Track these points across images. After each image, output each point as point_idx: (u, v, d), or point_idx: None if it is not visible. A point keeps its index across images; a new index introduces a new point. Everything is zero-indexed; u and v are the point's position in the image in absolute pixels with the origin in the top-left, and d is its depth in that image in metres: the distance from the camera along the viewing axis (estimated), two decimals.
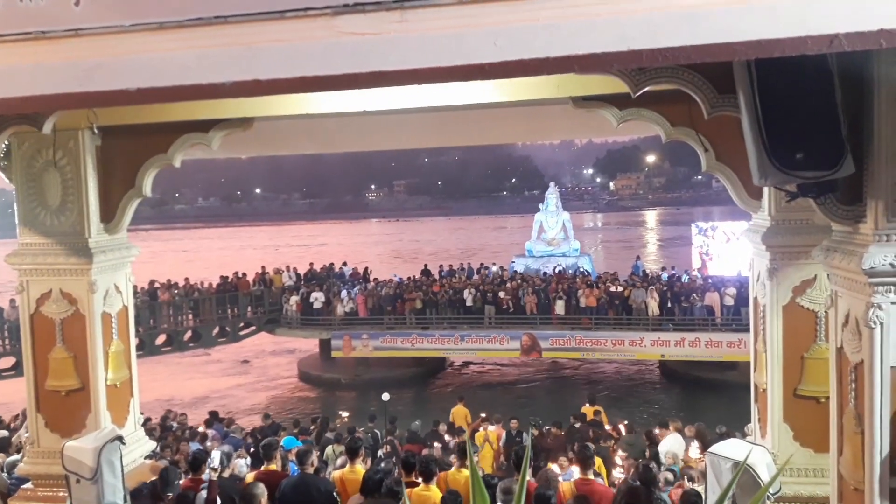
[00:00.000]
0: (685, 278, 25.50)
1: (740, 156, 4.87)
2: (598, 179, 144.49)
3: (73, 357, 6.41)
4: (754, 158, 3.52)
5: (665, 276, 25.81)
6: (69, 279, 6.37)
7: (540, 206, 34.95)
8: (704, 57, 2.93)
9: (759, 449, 4.85)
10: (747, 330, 6.37)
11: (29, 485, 6.65)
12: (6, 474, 7.83)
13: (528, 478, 5.91)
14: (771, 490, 4.43)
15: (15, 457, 8.70)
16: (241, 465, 8.54)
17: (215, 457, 7.83)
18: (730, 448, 4.82)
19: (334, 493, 6.09)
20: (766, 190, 5.31)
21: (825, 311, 5.03)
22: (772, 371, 5.35)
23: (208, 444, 11.39)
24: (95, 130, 6.27)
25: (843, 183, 3.53)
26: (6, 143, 6.22)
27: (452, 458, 7.67)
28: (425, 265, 29.99)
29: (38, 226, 6.36)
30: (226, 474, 6.86)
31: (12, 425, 13.31)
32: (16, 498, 6.72)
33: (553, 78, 5.15)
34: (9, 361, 19.92)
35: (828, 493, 4.40)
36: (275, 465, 6.76)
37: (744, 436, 7.36)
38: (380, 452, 11.04)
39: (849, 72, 3.31)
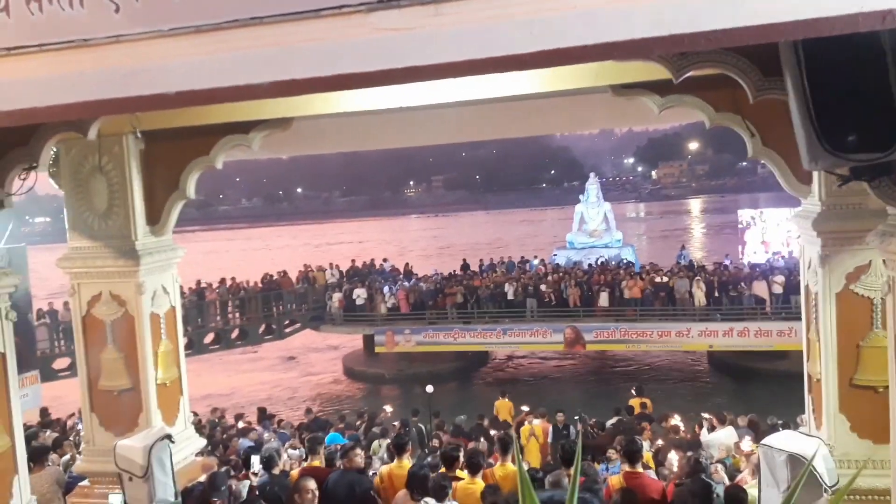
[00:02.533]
0: (738, 264, 24.99)
1: (788, 140, 4.72)
2: (640, 168, 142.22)
3: (124, 357, 6.57)
4: (804, 142, 3.38)
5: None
6: (118, 281, 6.52)
7: (580, 197, 34.53)
8: (748, 39, 2.83)
9: (815, 441, 4.70)
10: (798, 318, 6.20)
11: (85, 482, 6.84)
12: (64, 471, 8.06)
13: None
14: (828, 482, 4.29)
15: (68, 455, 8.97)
16: (293, 455, 8.59)
17: (255, 461, 7.94)
18: (784, 440, 4.68)
19: (372, 492, 6.12)
20: (815, 174, 5.14)
21: (882, 298, 4.86)
22: (826, 360, 5.18)
23: (265, 436, 11.58)
24: (139, 135, 6.40)
25: None
26: (55, 150, 6.38)
27: (494, 451, 7.64)
28: (464, 260, 29.95)
29: (87, 230, 6.52)
30: (276, 471, 6.94)
31: (69, 423, 13.72)
32: (73, 495, 6.91)
33: (591, 66, 5.06)
34: (64, 362, 20.55)
35: (888, 485, 4.25)
36: (318, 461, 6.83)
37: (796, 427, 7.18)
38: (426, 448, 11.07)
39: None
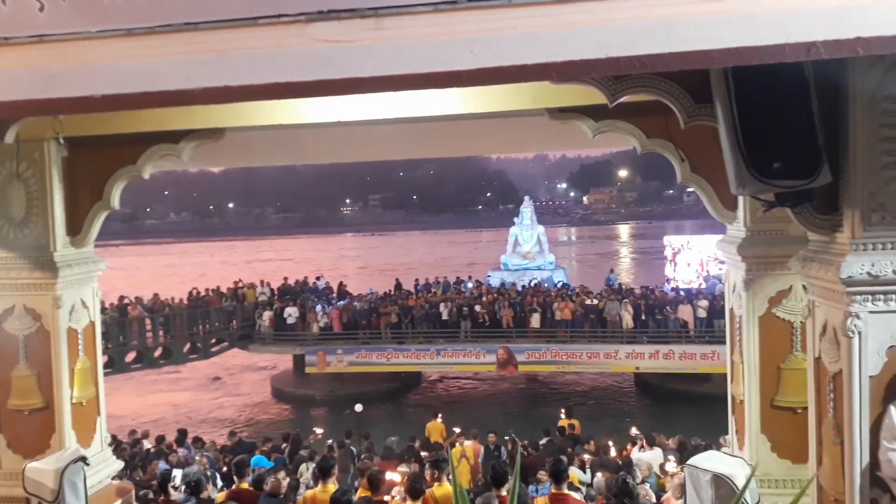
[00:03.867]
0: (663, 288, 25.72)
1: (715, 167, 4.89)
2: (572, 193, 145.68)
3: (37, 375, 6.22)
4: (732, 167, 3.51)
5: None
6: (33, 294, 6.19)
7: (515, 219, 35.09)
8: (682, 64, 2.92)
9: (738, 461, 4.82)
10: (721, 342, 6.39)
11: None
12: None
13: (504, 493, 5.86)
14: (750, 501, 4.39)
15: None
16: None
17: (177, 474, 7.65)
18: (709, 460, 4.78)
19: None
20: (741, 201, 5.33)
21: (802, 322, 5.05)
22: (749, 382, 5.34)
23: (187, 459, 11.14)
24: (61, 141, 6.12)
25: (819, 192, 3.54)
26: None
27: (427, 473, 7.54)
28: (397, 279, 29.84)
29: (1, 239, 6.18)
30: (203, 495, 6.67)
31: None
32: None
33: (529, 89, 5.13)
34: None
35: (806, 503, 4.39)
36: (245, 484, 6.62)
37: (719, 447, 7.37)
38: (351, 472, 10.84)
39: (825, 81, 3.32)
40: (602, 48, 2.86)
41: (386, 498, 6.15)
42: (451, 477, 6.12)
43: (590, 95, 4.50)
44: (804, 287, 4.08)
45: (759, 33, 2.70)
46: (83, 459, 5.65)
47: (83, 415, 6.49)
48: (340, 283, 30.11)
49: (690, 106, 4.15)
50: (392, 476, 7.85)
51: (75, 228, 6.36)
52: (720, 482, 4.45)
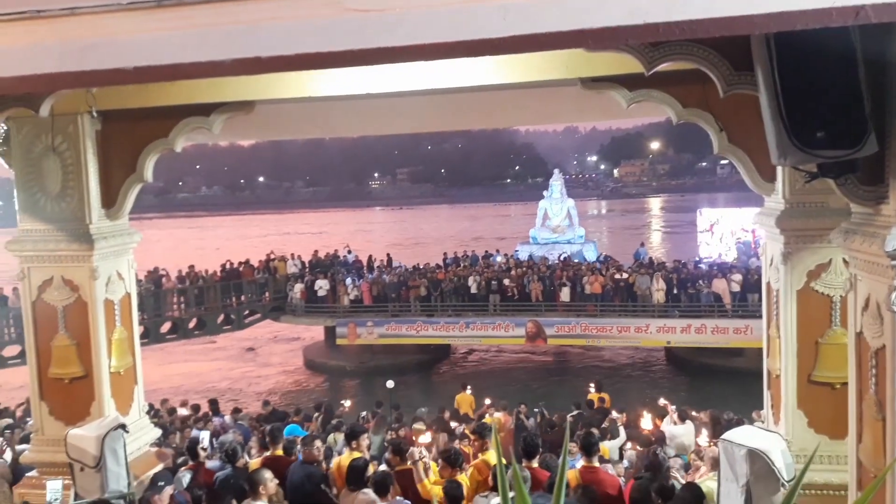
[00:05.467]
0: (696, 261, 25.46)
1: (754, 137, 4.77)
2: (603, 166, 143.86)
3: (76, 344, 6.35)
4: (773, 137, 3.40)
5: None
6: (71, 266, 6.29)
7: (544, 193, 34.81)
8: (723, 30, 2.82)
9: (773, 436, 4.76)
10: (754, 316, 6.28)
11: (34, 472, 6.61)
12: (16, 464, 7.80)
13: (535, 465, 5.88)
14: (786, 477, 4.34)
15: (25, 445, 8.68)
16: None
17: (204, 436, 7.81)
18: (743, 435, 4.72)
19: (323, 485, 6.07)
20: (780, 172, 5.19)
21: (841, 296, 4.93)
22: (786, 357, 5.25)
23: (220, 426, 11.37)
24: (95, 114, 6.17)
25: (863, 163, 3.41)
26: (4, 128, 6.13)
27: (471, 441, 7.55)
28: (444, 254, 29.84)
29: (39, 212, 6.28)
30: (239, 463, 6.81)
31: (18, 413, 13.31)
32: (21, 485, 6.68)
33: (561, 58, 5.03)
34: (14, 349, 19.94)
35: (843, 479, 4.32)
36: (279, 451, 6.74)
37: (752, 422, 7.29)
38: (384, 441, 10.97)
39: (872, 47, 3.18)
40: (640, 14, 2.77)
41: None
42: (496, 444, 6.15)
43: (624, 64, 4.39)
44: (845, 261, 3.97)
45: None
46: (122, 427, 5.77)
47: (121, 384, 6.63)
48: (369, 257, 30.28)
49: (730, 74, 4.02)
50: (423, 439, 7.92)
51: (110, 201, 6.44)
52: (755, 457, 4.40)
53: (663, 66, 4.04)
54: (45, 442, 6.44)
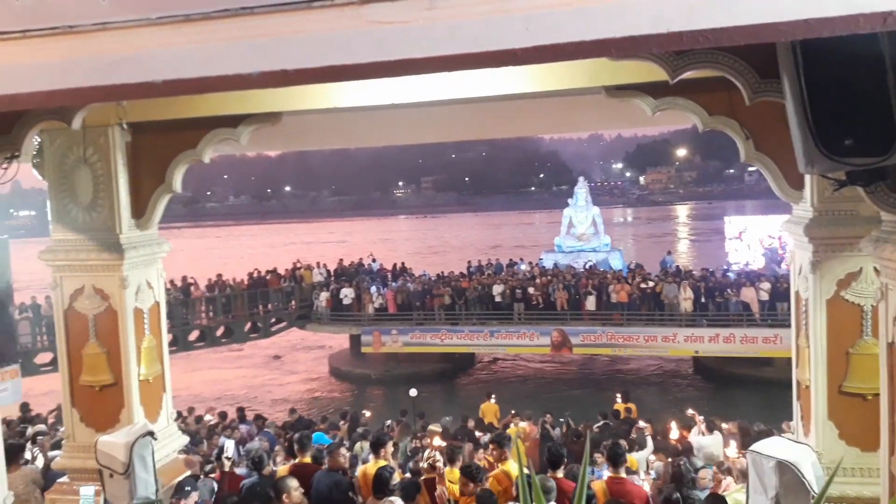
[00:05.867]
0: (724, 270, 25.17)
1: (781, 145, 4.71)
2: (628, 174, 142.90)
3: (107, 352, 6.45)
4: (800, 145, 3.35)
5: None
6: (101, 275, 6.41)
7: (569, 201, 34.65)
8: (748, 38, 2.79)
9: (804, 447, 4.68)
10: (783, 325, 6.18)
11: (65, 478, 6.72)
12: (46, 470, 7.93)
13: (560, 475, 5.84)
14: (817, 490, 4.26)
15: (57, 452, 8.83)
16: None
17: (229, 446, 7.89)
18: (772, 446, 4.66)
19: (350, 493, 6.10)
20: (808, 180, 5.13)
21: (872, 305, 4.85)
22: (815, 367, 5.17)
23: (252, 435, 11.47)
24: (125, 126, 6.30)
25: (893, 170, 3.36)
26: (38, 140, 6.27)
27: (490, 451, 7.53)
28: (469, 262, 29.85)
29: (71, 222, 6.41)
30: (265, 471, 6.86)
31: (50, 419, 13.54)
32: (52, 491, 6.79)
33: (585, 67, 5.03)
34: (47, 357, 20.30)
35: (875, 493, 4.24)
36: (307, 459, 6.78)
37: (781, 433, 7.18)
38: (407, 448, 10.99)
39: None
40: (663, 23, 2.76)
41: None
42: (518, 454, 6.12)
43: (649, 72, 4.37)
44: (876, 269, 3.91)
45: (831, 3, 2.56)
46: (151, 434, 5.86)
47: (150, 391, 6.73)
48: (394, 266, 30.38)
49: (756, 81, 3.99)
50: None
51: (139, 211, 6.56)
52: (784, 469, 4.34)
53: (688, 74, 4.02)
54: (76, 448, 6.55)
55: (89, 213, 6.39)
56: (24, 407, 15.07)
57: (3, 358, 11.33)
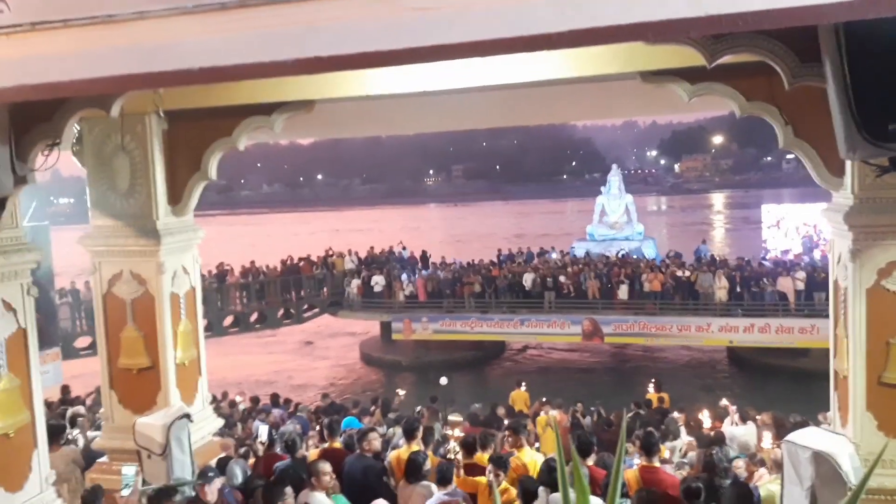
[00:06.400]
0: (760, 259, 24.81)
1: (822, 130, 4.61)
2: (663, 161, 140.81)
3: (144, 336, 6.58)
4: (842, 131, 3.29)
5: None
6: (139, 260, 6.53)
7: (602, 189, 34.32)
8: (790, 21, 2.73)
9: (841, 438, 4.60)
10: (820, 315, 6.06)
11: (104, 458, 6.89)
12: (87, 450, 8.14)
13: (590, 463, 5.83)
14: (853, 481, 4.19)
15: (96, 432, 9.06)
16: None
17: (262, 430, 8.00)
18: (808, 437, 4.59)
19: (384, 477, 6.15)
20: (848, 166, 5.01)
21: None
22: (854, 358, 5.06)
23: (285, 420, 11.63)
24: (161, 114, 6.39)
25: None
26: (78, 128, 6.40)
27: (506, 437, 7.54)
28: (499, 250, 29.82)
29: (109, 208, 6.54)
30: (298, 455, 6.97)
31: (88, 402, 13.89)
32: (92, 471, 6.97)
33: (620, 52, 4.96)
34: (86, 341, 20.80)
35: None
36: (337, 443, 6.86)
37: (818, 424, 7.06)
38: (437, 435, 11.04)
39: None
40: (702, 5, 2.71)
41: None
42: (538, 443, 6.13)
43: (685, 57, 4.30)
44: None
45: None
46: (187, 416, 5.97)
47: (186, 375, 6.86)
48: (423, 252, 30.46)
49: (796, 66, 3.90)
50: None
51: (176, 198, 6.66)
52: (821, 460, 4.27)
53: (726, 59, 3.94)
54: (115, 429, 6.71)
55: (127, 199, 6.51)
56: (65, 389, 15.48)
57: (45, 341, 11.63)
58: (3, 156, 4.51)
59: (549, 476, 5.32)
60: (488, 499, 5.53)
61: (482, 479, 5.75)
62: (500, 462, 5.70)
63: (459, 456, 6.24)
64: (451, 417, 9.65)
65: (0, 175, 4.49)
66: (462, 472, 6.17)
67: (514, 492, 5.49)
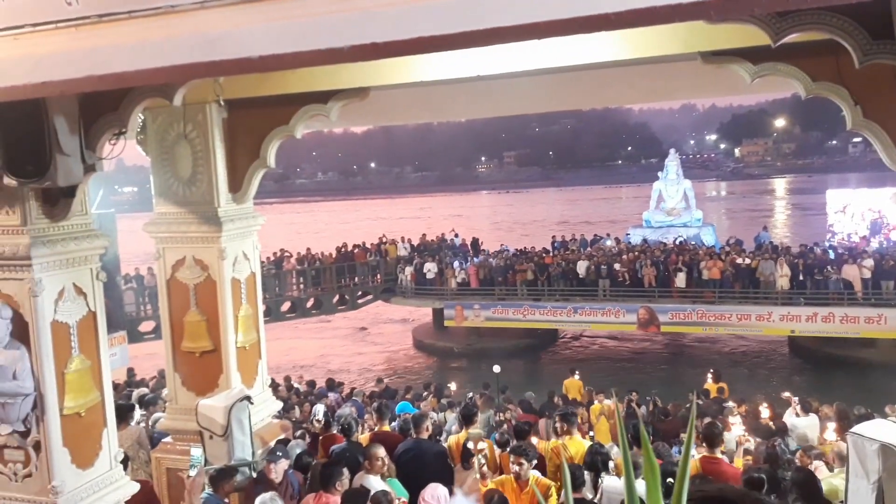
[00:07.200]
0: (825, 246, 24.01)
1: (892, 111, 4.43)
2: (722, 146, 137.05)
3: (206, 320, 6.76)
4: None
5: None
6: (201, 246, 6.70)
7: (659, 174, 33.61)
8: None
9: None
10: (888, 305, 5.80)
11: (168, 438, 7.13)
12: (152, 428, 8.45)
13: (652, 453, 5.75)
14: None
15: (161, 413, 9.39)
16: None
17: (318, 410, 8.17)
18: (875, 429, 4.44)
19: (448, 460, 6.18)
20: None
21: None
22: None
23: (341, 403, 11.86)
24: (222, 103, 6.52)
25: None
26: (142, 118, 6.59)
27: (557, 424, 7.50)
28: (553, 237, 29.63)
29: (172, 196, 6.72)
30: (354, 438, 7.10)
31: (151, 384, 14.40)
32: (156, 450, 7.23)
33: (681, 31, 4.84)
34: (150, 325, 21.53)
35: None
36: (387, 427, 6.95)
37: (885, 417, 6.82)
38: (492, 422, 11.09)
39: None
40: None
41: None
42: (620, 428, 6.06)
43: (748, 36, 4.17)
44: None
45: None
46: (248, 398, 6.13)
47: (246, 358, 7.02)
48: (474, 240, 30.47)
49: (867, 43, 3.73)
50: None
51: (236, 185, 6.80)
52: (888, 453, 4.12)
53: (791, 37, 3.80)
54: (178, 411, 6.92)
55: (189, 187, 6.68)
56: (130, 372, 16.08)
57: (112, 325, 12.05)
58: (73, 145, 4.68)
59: (592, 460, 5.29)
60: (517, 492, 5.47)
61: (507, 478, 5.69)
62: (520, 451, 5.63)
63: (485, 468, 6.15)
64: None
65: (71, 164, 4.66)
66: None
67: (545, 480, 5.49)
